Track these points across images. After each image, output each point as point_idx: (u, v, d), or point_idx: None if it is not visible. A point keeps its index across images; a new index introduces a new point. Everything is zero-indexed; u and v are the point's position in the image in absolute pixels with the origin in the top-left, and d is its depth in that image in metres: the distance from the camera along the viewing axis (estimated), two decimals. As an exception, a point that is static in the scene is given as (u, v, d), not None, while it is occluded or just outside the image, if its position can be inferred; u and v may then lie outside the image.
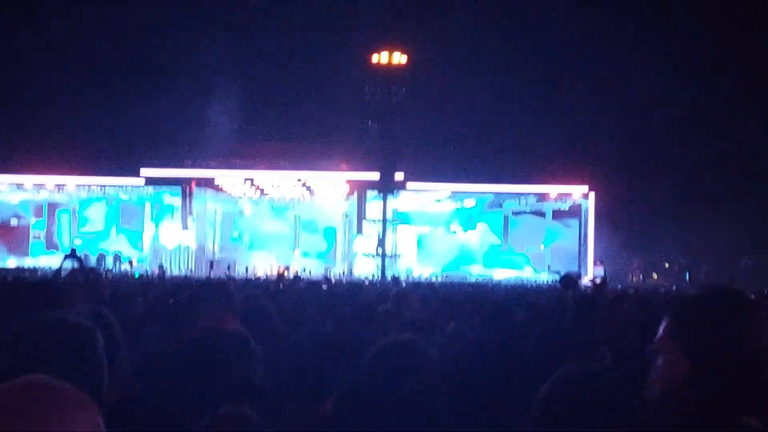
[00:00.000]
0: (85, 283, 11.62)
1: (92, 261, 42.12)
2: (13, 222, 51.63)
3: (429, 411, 2.82)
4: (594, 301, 8.20)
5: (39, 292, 5.60)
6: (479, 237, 51.72)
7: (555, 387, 2.61)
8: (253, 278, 34.55)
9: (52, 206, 51.77)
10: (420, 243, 50.71)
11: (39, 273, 34.54)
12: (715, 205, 50.53)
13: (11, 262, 46.90)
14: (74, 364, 2.52)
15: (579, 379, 2.65)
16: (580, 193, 49.43)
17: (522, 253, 51.50)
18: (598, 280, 8.47)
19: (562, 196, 50.27)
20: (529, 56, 56.64)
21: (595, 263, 45.27)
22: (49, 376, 1.93)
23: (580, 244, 49.65)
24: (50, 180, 49.00)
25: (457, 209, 51.74)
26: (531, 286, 32.54)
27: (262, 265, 47.20)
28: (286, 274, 34.62)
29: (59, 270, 15.96)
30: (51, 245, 50.70)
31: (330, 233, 52.01)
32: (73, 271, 14.61)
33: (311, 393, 3.91)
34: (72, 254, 18.45)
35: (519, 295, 17.62)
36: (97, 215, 52.05)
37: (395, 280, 20.47)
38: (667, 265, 54.34)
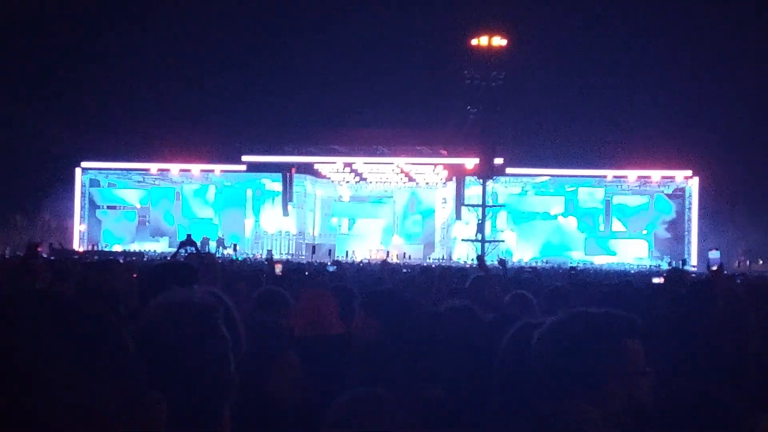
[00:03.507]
0: (201, 266, 11.85)
1: (210, 247, 43.05)
2: (119, 208, 52.92)
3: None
4: (711, 287, 8.00)
5: (163, 273, 5.81)
6: (579, 222, 50.98)
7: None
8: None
9: (157, 192, 52.83)
10: (519, 228, 50.25)
11: (145, 258, 35.03)
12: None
13: (117, 247, 47.94)
14: (199, 342, 2.55)
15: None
16: (683, 177, 48.40)
17: (623, 237, 50.76)
18: (714, 267, 8.23)
19: (665, 180, 49.29)
20: (632, 38, 55.68)
21: (710, 248, 44.28)
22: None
23: (684, 229, 48.69)
24: (155, 167, 50.03)
25: (557, 194, 51.11)
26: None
27: (361, 250, 47.44)
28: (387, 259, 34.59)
29: (175, 255, 16.29)
30: (155, 231, 51.78)
31: (429, 218, 51.93)
32: (190, 255, 14.90)
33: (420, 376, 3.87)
34: (188, 241, 18.61)
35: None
36: (200, 201, 52.96)
37: (502, 262, 20.27)
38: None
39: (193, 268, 6.52)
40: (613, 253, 48.93)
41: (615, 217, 51.32)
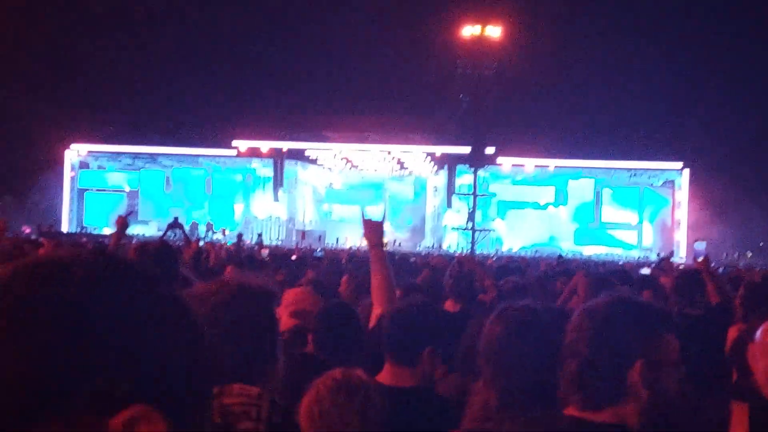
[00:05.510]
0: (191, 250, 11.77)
1: (199, 231, 42.93)
2: (108, 191, 52.74)
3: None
4: (697, 279, 7.99)
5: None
6: (570, 212, 50.98)
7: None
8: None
9: (147, 176, 52.65)
10: (510, 217, 50.23)
11: (134, 241, 34.79)
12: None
13: (106, 230, 47.72)
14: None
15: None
16: (674, 169, 48.45)
17: (614, 228, 50.83)
18: (700, 258, 8.18)
19: (655, 172, 49.33)
20: (624, 28, 55.66)
21: (696, 240, 44.28)
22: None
23: (673, 221, 48.76)
24: (145, 150, 49.85)
25: (548, 184, 51.06)
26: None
27: (352, 237, 47.35)
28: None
29: (163, 237, 16.16)
30: (145, 214, 51.59)
31: (419, 206, 51.87)
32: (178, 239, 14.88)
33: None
34: (175, 223, 18.53)
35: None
36: (189, 185, 52.79)
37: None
38: (762, 243, 52.99)
39: (173, 248, 6.46)
40: (604, 244, 49.04)
41: (605, 208, 51.26)
